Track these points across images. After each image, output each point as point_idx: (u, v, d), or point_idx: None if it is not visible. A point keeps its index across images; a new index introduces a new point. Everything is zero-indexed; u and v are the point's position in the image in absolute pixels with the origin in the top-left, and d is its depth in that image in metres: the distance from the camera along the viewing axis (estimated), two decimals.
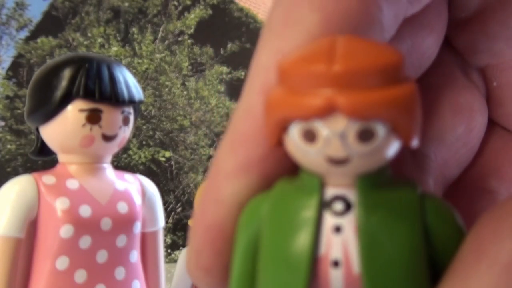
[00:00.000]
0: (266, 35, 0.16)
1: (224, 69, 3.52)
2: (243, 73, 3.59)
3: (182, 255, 0.66)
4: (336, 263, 0.14)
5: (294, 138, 0.15)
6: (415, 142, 0.15)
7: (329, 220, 0.14)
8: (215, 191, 0.16)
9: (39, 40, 3.16)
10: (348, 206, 0.14)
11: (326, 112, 0.14)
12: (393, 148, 0.14)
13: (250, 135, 0.16)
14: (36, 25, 3.34)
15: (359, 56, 0.14)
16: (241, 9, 3.86)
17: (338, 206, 0.14)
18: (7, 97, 3.06)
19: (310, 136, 0.14)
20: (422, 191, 0.15)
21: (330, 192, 0.15)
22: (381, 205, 0.14)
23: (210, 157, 3.29)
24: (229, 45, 3.65)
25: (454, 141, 0.18)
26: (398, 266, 0.14)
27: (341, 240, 0.14)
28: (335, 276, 0.14)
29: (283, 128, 0.15)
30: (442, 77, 0.19)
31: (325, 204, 0.15)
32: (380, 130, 0.14)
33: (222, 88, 3.51)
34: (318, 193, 0.15)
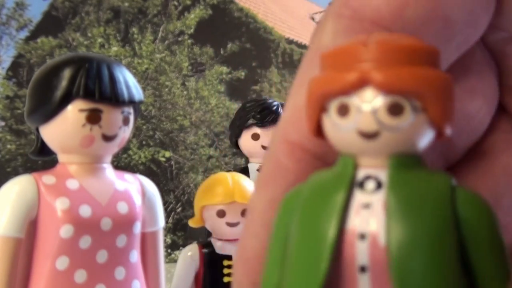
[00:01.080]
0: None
1: (224, 69, 3.52)
2: (243, 73, 3.59)
3: (182, 255, 0.67)
4: (363, 236, 0.15)
5: (331, 115, 0.16)
6: (447, 130, 0.15)
7: (359, 198, 0.15)
8: (252, 227, 0.18)
9: (39, 40, 3.15)
10: (379, 185, 0.15)
11: (359, 85, 0.15)
12: (423, 130, 0.15)
13: (272, 176, 0.18)
14: (36, 25, 3.34)
15: (393, 40, 0.15)
16: (241, 9, 3.85)
17: (370, 185, 0.15)
18: (7, 97, 3.06)
19: (344, 111, 0.15)
20: (456, 183, 0.15)
21: (363, 172, 0.16)
22: (411, 185, 0.15)
23: (210, 157, 3.30)
24: (229, 45, 3.64)
25: (460, 118, 0.18)
26: (423, 244, 0.14)
27: (369, 215, 0.15)
28: (361, 248, 0.15)
29: (322, 107, 0.16)
30: (498, 142, 0.19)
31: (357, 183, 0.15)
32: (409, 106, 0.15)
33: (222, 88, 3.50)
34: (350, 172, 0.16)
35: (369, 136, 0.15)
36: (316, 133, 0.16)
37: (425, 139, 0.15)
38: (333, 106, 0.16)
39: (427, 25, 0.16)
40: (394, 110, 0.15)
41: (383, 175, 0.15)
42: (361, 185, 0.15)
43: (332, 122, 0.16)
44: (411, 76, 0.15)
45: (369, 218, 0.15)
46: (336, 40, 0.17)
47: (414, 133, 0.15)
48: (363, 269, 0.15)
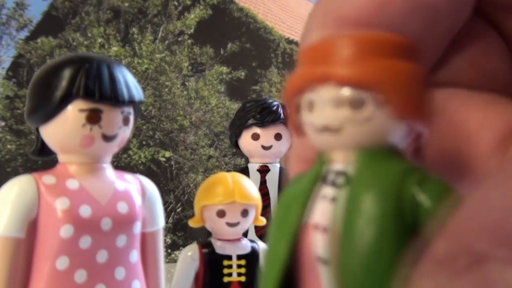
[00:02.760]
0: None
1: (224, 69, 3.52)
2: (243, 73, 3.59)
3: (182, 255, 0.67)
4: (323, 229, 0.15)
5: (303, 112, 0.16)
6: (416, 124, 0.15)
7: (326, 192, 0.16)
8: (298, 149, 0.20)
9: (39, 40, 3.15)
10: (348, 180, 0.16)
11: (321, 80, 0.15)
12: (388, 123, 0.15)
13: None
14: (36, 25, 3.34)
15: (360, 35, 0.15)
16: (241, 9, 3.85)
17: (339, 180, 0.16)
18: (7, 97, 3.06)
19: (310, 107, 0.16)
20: (417, 172, 0.15)
21: (334, 167, 0.16)
22: (370, 179, 0.15)
23: (210, 157, 3.30)
24: (229, 45, 3.64)
25: None
26: (369, 233, 0.14)
27: (333, 209, 0.15)
28: (320, 240, 0.15)
29: (297, 105, 0.16)
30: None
31: (324, 178, 0.16)
32: (371, 99, 0.15)
33: (222, 88, 3.50)
34: (319, 168, 0.16)
35: (334, 130, 0.15)
36: (299, 132, 0.17)
37: (394, 132, 0.15)
38: (303, 103, 0.16)
39: (410, 17, 0.16)
40: (355, 104, 0.15)
41: (351, 169, 0.16)
42: (330, 179, 0.16)
43: (305, 123, 0.16)
44: (371, 69, 0.15)
45: (332, 212, 0.15)
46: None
47: (379, 127, 0.15)
48: (323, 260, 0.15)
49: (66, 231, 0.50)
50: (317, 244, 0.15)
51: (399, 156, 0.16)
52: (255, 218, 0.66)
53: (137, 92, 0.54)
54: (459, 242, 0.12)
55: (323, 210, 0.15)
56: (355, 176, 0.15)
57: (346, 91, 0.15)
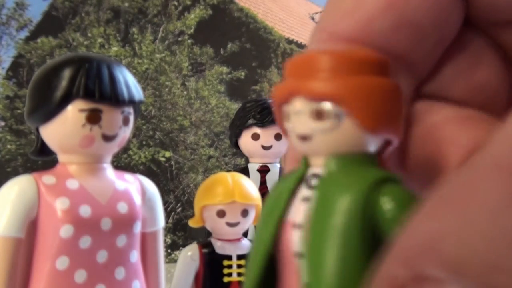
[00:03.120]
0: None
1: (224, 69, 3.52)
2: (243, 73, 3.59)
3: (182, 255, 0.67)
4: (298, 226, 0.17)
5: (285, 122, 0.18)
6: (383, 134, 0.17)
7: (304, 193, 0.18)
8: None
9: (39, 40, 3.15)
10: (320, 182, 0.18)
11: (292, 94, 0.17)
12: (352, 133, 0.17)
13: None
14: (36, 25, 3.34)
15: (334, 51, 0.17)
16: (241, 9, 3.85)
17: (313, 181, 0.18)
18: (7, 97, 3.06)
19: (288, 117, 0.18)
20: (393, 180, 0.17)
21: (311, 171, 0.18)
22: (335, 183, 0.17)
23: (210, 157, 3.29)
24: (229, 45, 3.64)
25: None
26: (331, 236, 0.16)
27: (306, 208, 0.17)
28: (296, 236, 0.17)
29: (283, 115, 0.18)
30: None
31: (304, 180, 0.18)
32: (331, 110, 0.17)
33: (222, 88, 3.50)
34: (300, 170, 0.18)
35: (304, 138, 0.17)
36: (287, 136, 0.19)
37: (362, 141, 0.17)
38: (284, 112, 0.18)
39: (396, 33, 0.18)
40: (317, 115, 0.17)
41: (324, 173, 0.17)
42: (307, 181, 0.18)
43: (286, 127, 0.18)
44: (332, 84, 0.17)
45: (306, 210, 0.17)
46: None
47: (343, 136, 0.17)
48: (299, 254, 0.17)
49: (66, 231, 0.50)
50: (294, 240, 0.17)
51: (369, 163, 0.17)
52: (255, 218, 0.66)
53: (137, 92, 0.54)
54: (400, 262, 0.13)
55: (299, 209, 0.17)
56: (324, 179, 0.17)
57: (310, 104, 0.17)
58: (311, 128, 0.17)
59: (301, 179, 0.18)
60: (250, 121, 0.94)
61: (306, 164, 0.18)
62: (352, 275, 0.15)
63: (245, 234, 0.69)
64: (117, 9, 3.29)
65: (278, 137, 0.93)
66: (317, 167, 0.18)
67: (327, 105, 0.17)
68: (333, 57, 0.17)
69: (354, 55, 0.17)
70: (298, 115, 0.17)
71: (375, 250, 0.15)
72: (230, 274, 0.65)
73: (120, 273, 0.53)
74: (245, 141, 0.95)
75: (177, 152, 3.21)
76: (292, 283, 0.17)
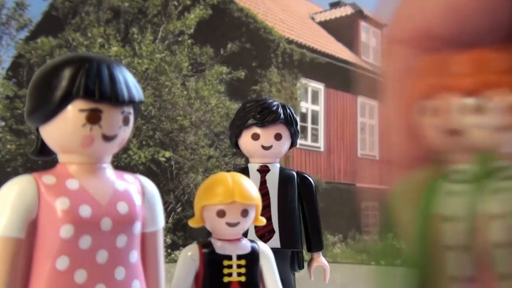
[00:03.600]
0: None
1: (224, 69, 3.51)
2: (243, 73, 3.58)
3: (182, 255, 0.67)
4: (450, 219, 0.20)
5: (427, 118, 0.22)
6: None
7: (453, 188, 0.21)
8: None
9: (39, 40, 3.15)
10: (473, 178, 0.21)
11: (446, 90, 0.20)
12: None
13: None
14: (36, 25, 3.33)
15: (474, 55, 0.19)
16: (241, 9, 3.84)
17: (461, 177, 0.21)
18: (7, 97, 3.06)
19: (435, 112, 0.22)
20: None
21: (459, 167, 0.22)
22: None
23: (210, 157, 3.29)
24: (229, 45, 3.63)
25: None
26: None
27: (458, 202, 0.20)
28: (447, 229, 0.21)
29: (420, 110, 0.22)
30: None
31: (450, 176, 0.21)
32: (495, 104, 0.20)
33: (222, 88, 3.49)
34: (441, 168, 0.22)
35: (458, 133, 0.20)
36: (413, 134, 0.22)
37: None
38: (427, 108, 0.22)
39: (450, 39, 0.20)
40: (477, 110, 0.20)
41: (474, 169, 0.20)
42: (454, 176, 0.21)
43: (426, 122, 0.21)
44: (503, 78, 0.20)
45: (457, 204, 0.20)
46: (387, 63, 0.24)
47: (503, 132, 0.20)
48: (450, 247, 0.20)
49: (66, 231, 0.50)
50: (445, 232, 0.19)
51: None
52: (255, 218, 0.66)
53: (137, 92, 0.54)
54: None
55: (449, 203, 0.19)
56: (477, 174, 0.19)
57: (469, 100, 0.19)
58: (467, 123, 0.19)
59: (443, 175, 0.20)
60: (250, 121, 0.93)
61: (446, 160, 0.20)
62: None
63: (245, 234, 0.68)
64: (117, 9, 3.29)
65: (278, 137, 0.93)
66: (465, 163, 0.19)
67: (489, 100, 0.18)
68: (479, 58, 0.18)
69: (494, 56, 0.19)
70: (450, 110, 0.19)
71: None
72: (230, 274, 0.65)
73: (120, 273, 0.53)
74: (245, 141, 0.95)
75: (177, 152, 3.21)
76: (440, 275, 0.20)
